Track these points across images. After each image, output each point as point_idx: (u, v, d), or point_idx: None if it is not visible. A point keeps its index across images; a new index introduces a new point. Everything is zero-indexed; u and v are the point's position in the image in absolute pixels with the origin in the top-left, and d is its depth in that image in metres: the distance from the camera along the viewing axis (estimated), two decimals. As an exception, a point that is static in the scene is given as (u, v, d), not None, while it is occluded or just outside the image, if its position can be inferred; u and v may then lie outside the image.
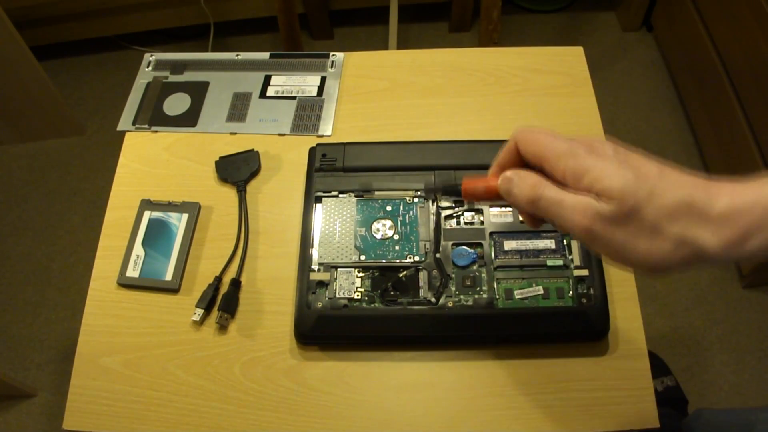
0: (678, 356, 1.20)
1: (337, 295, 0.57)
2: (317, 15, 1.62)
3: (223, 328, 0.59)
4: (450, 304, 0.57)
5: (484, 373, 0.56)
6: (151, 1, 1.54)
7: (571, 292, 0.57)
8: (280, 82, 0.74)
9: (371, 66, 0.75)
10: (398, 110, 0.71)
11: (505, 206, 0.61)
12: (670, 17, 1.52)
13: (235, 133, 0.71)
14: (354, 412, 0.55)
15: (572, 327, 0.55)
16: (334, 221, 0.61)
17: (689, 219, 0.33)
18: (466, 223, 0.61)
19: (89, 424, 0.55)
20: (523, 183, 0.36)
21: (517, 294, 0.57)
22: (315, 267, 0.59)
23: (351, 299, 0.57)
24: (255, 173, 0.67)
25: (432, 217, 0.61)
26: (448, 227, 0.60)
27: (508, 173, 0.37)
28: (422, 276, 0.58)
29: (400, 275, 0.58)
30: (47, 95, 1.43)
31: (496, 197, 0.39)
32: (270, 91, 0.73)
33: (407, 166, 0.64)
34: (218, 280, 0.61)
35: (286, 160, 0.68)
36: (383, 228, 0.61)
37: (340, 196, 0.63)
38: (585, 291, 0.57)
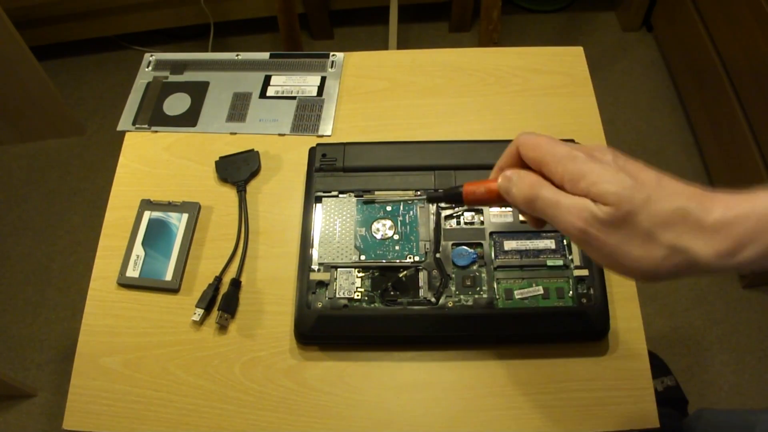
0: (678, 356, 1.20)
1: (337, 295, 0.57)
2: (317, 15, 1.62)
3: (223, 328, 0.59)
4: (450, 304, 0.57)
5: (484, 373, 0.56)
6: (151, 1, 1.54)
7: (571, 292, 0.57)
8: (280, 82, 0.74)
9: (371, 66, 0.75)
10: (398, 110, 0.71)
11: (505, 206, 0.61)
12: (670, 17, 1.52)
13: (235, 133, 0.71)
14: (354, 412, 0.55)
15: (572, 327, 0.55)
16: (334, 221, 0.61)
17: (683, 227, 0.33)
18: (466, 223, 0.61)
19: (89, 424, 0.55)
20: (522, 182, 0.37)
21: (517, 294, 0.57)
22: (315, 267, 0.59)
23: (351, 299, 0.57)
24: (255, 173, 0.67)
25: (432, 217, 0.61)
26: (448, 227, 0.60)
27: (508, 172, 0.38)
28: (422, 276, 0.58)
29: (400, 275, 0.58)
30: (47, 95, 1.43)
31: (497, 199, 0.40)
32: (270, 91, 0.73)
33: (407, 166, 0.64)
34: (218, 280, 0.61)
35: (286, 160, 0.68)
36: (383, 228, 0.61)
37: (340, 196, 0.63)
38: (585, 291, 0.57)
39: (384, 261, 0.59)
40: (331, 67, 0.75)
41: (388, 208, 0.62)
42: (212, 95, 0.73)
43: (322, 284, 0.58)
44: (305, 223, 0.61)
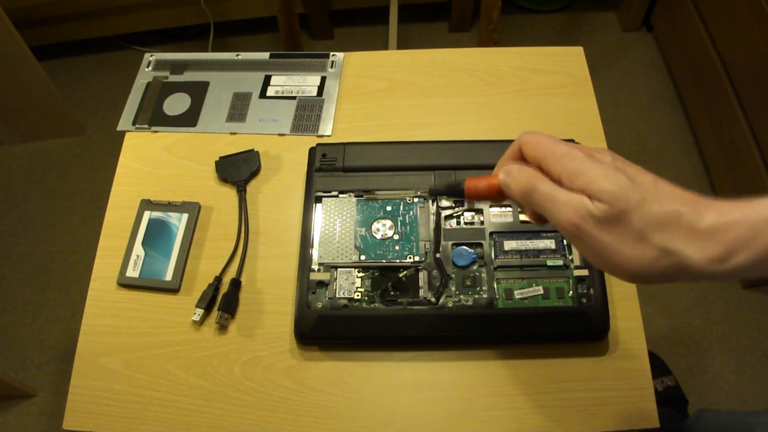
0: (678, 356, 1.20)
1: (337, 295, 0.57)
2: (317, 15, 1.62)
3: (223, 328, 0.59)
4: (450, 304, 0.57)
5: (483, 373, 0.56)
6: (151, 1, 1.54)
7: (571, 292, 0.57)
8: (280, 82, 0.74)
9: (371, 66, 0.75)
10: (398, 110, 0.71)
11: (505, 206, 0.61)
12: (670, 17, 1.52)
13: (235, 133, 0.71)
14: (354, 412, 0.55)
15: (572, 327, 0.55)
16: (334, 221, 0.61)
17: (676, 230, 0.33)
18: (466, 223, 0.61)
19: (89, 424, 0.55)
20: (521, 175, 0.37)
21: (517, 294, 0.57)
22: (315, 267, 0.59)
23: (351, 299, 0.57)
24: (255, 173, 0.67)
25: (432, 217, 0.61)
26: (448, 227, 0.60)
27: (509, 166, 0.39)
28: (422, 276, 0.58)
29: (400, 275, 0.58)
30: (47, 95, 1.43)
31: (497, 195, 0.40)
32: (270, 91, 0.73)
33: (407, 166, 0.64)
34: (218, 280, 0.61)
35: (286, 160, 0.68)
36: (383, 228, 0.61)
37: (340, 196, 0.63)
38: (585, 291, 0.57)
39: (384, 261, 0.59)
40: (331, 67, 0.75)
41: (388, 208, 0.62)
42: (212, 95, 0.73)
43: (322, 284, 0.58)
44: (305, 223, 0.61)
